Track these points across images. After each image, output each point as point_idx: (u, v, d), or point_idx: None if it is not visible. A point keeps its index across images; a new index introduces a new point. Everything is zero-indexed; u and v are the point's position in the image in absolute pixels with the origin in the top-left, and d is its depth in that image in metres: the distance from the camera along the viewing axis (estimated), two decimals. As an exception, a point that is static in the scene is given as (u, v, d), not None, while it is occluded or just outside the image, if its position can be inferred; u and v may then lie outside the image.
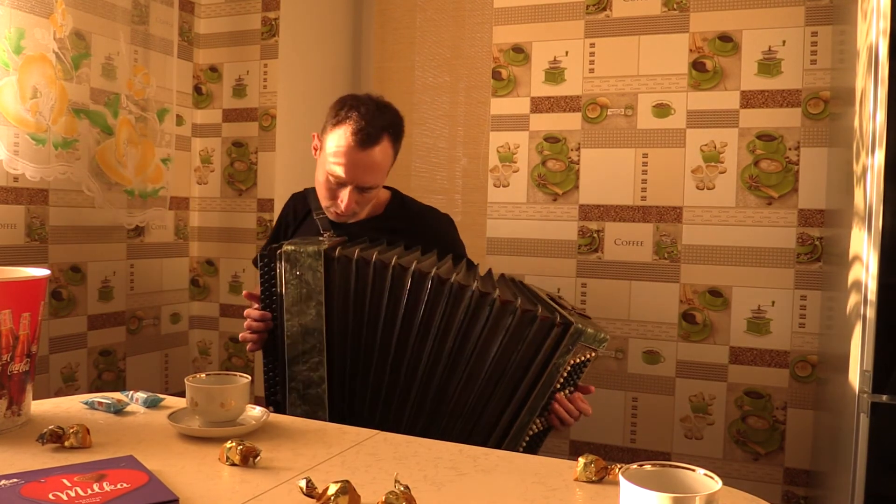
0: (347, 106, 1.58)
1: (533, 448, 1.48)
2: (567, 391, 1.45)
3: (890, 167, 1.39)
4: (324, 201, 1.62)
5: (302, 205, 1.78)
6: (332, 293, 1.46)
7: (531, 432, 1.46)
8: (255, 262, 1.55)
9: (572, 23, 2.25)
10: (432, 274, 1.42)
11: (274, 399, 1.54)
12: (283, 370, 1.48)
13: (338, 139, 1.55)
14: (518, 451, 1.43)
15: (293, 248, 1.45)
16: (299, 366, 1.48)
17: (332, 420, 1.45)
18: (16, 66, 1.91)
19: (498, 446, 1.41)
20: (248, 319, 1.54)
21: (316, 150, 1.65)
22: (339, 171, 1.54)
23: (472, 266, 1.64)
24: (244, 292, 1.61)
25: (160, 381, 2.63)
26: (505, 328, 1.42)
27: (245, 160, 2.68)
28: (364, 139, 1.53)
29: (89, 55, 2.18)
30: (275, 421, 1.26)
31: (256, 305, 1.56)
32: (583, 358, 1.43)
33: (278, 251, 1.46)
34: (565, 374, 1.42)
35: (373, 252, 1.47)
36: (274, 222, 1.95)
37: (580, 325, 1.41)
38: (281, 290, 1.47)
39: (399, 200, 1.74)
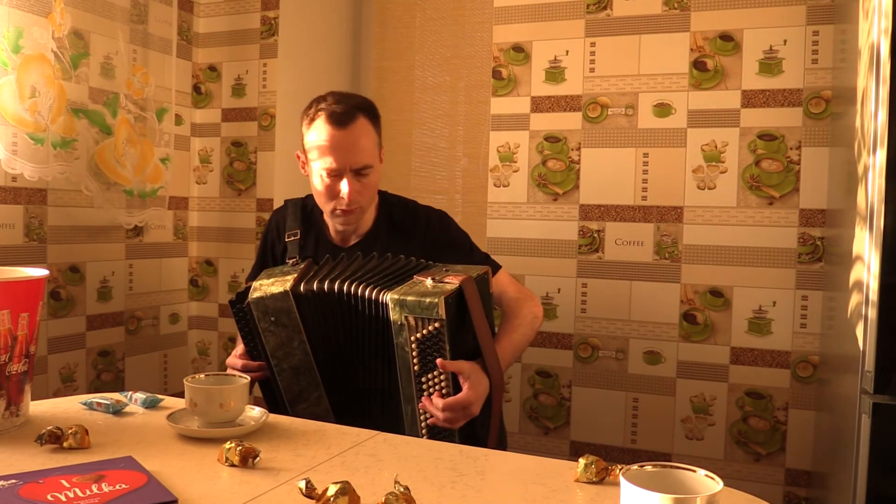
0: (314, 103, 1.56)
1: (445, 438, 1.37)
2: (435, 377, 1.34)
3: (892, 166, 1.38)
4: (327, 205, 1.57)
5: (284, 221, 1.71)
6: (311, 327, 1.42)
7: (426, 426, 1.37)
8: (230, 305, 1.51)
9: (573, 22, 2.24)
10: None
11: None
12: (286, 411, 1.46)
13: (317, 132, 1.52)
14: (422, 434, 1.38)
15: (259, 294, 1.41)
16: (301, 405, 1.47)
17: None
18: (14, 66, 1.90)
19: (364, 412, 1.40)
20: (234, 371, 1.51)
21: (303, 165, 1.61)
22: (329, 161, 1.50)
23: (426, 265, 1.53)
24: (227, 361, 1.55)
25: (159, 382, 2.63)
26: (366, 320, 1.38)
27: (244, 160, 2.67)
28: (340, 119, 1.50)
29: (88, 54, 2.17)
30: (274, 421, 1.25)
31: (239, 352, 1.53)
32: (424, 332, 1.31)
33: (246, 302, 1.43)
34: (416, 355, 1.33)
35: (328, 276, 1.43)
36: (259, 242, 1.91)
37: (396, 296, 1.31)
38: (262, 340, 1.44)
39: (386, 213, 1.67)
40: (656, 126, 2.17)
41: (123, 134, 2.27)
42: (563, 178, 2.27)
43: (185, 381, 1.19)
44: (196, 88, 2.72)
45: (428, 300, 1.29)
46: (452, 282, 1.34)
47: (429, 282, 1.35)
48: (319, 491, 0.86)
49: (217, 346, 2.73)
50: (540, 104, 2.29)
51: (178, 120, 2.63)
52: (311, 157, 1.55)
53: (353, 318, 1.41)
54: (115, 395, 1.35)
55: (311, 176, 1.57)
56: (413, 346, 1.33)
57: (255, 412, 1.25)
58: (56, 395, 2.18)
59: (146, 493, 0.90)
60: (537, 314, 1.64)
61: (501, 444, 1.53)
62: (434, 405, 1.33)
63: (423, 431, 1.37)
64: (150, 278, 2.56)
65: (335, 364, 1.44)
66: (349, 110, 1.52)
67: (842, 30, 1.89)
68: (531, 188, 2.30)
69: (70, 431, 1.08)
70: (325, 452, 1.10)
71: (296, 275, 1.45)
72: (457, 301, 1.33)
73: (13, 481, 0.91)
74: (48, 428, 1.08)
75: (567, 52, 2.25)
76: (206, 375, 1.24)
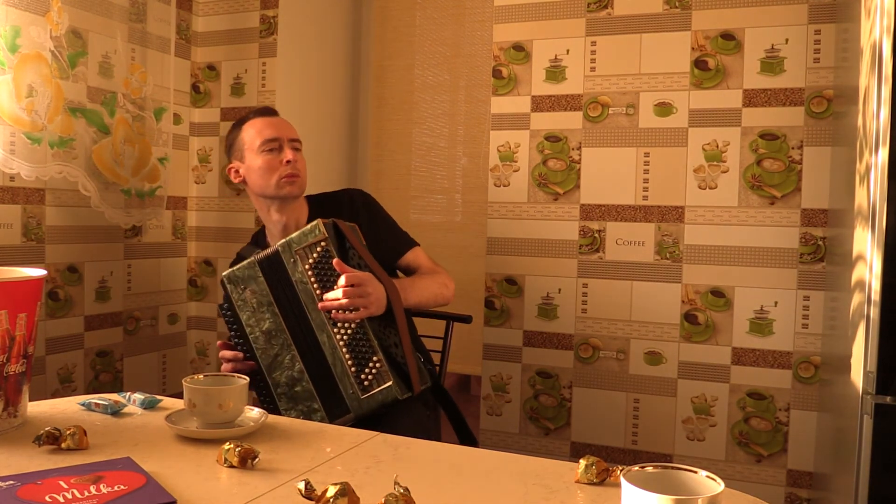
0: (236, 122, 1.82)
1: (365, 352, 1.49)
2: (331, 290, 1.50)
3: (894, 166, 1.38)
4: (271, 179, 1.72)
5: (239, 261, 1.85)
6: (278, 293, 1.55)
7: (343, 342, 1.49)
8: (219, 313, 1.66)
9: (573, 21, 2.24)
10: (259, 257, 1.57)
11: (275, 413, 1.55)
12: (266, 383, 1.55)
13: (252, 125, 1.76)
14: (348, 366, 1.48)
15: (230, 269, 1.60)
16: (278, 371, 1.56)
17: (325, 407, 1.52)
18: (11, 65, 1.90)
19: (343, 381, 1.49)
20: (223, 363, 1.62)
21: (238, 171, 1.78)
22: (269, 132, 1.73)
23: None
24: (218, 343, 1.67)
25: (158, 382, 2.62)
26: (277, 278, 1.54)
27: (243, 159, 2.66)
28: (265, 111, 1.80)
29: (86, 53, 2.17)
30: (273, 422, 1.25)
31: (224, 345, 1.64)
32: (314, 255, 1.50)
33: (221, 280, 1.61)
34: (314, 281, 1.51)
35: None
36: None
37: (283, 241, 1.52)
38: (238, 312, 1.57)
39: (315, 207, 1.84)
40: (657, 125, 2.16)
41: (121, 133, 2.26)
42: (563, 178, 2.26)
43: (183, 381, 1.19)
44: (195, 87, 2.71)
45: (309, 227, 1.51)
46: (328, 220, 1.56)
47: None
48: (319, 492, 0.85)
49: (216, 346, 2.72)
50: (540, 103, 2.28)
51: (177, 119, 2.62)
52: (247, 150, 1.75)
53: (283, 276, 1.56)
54: (114, 396, 1.35)
55: (251, 167, 1.75)
56: (310, 274, 1.51)
57: (253, 413, 1.24)
58: (54, 395, 2.17)
59: (145, 493, 0.89)
60: (446, 283, 1.77)
61: (424, 380, 1.60)
62: (334, 292, 1.48)
63: (342, 345, 1.49)
64: (148, 278, 2.56)
65: (301, 326, 1.55)
66: (270, 108, 1.84)
67: (843, 28, 1.89)
68: (531, 188, 2.29)
69: (68, 432, 1.07)
70: (325, 453, 1.09)
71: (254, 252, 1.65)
72: (334, 229, 1.54)
73: (11, 482, 0.91)
74: (46, 429, 1.08)
75: (568, 51, 2.25)
76: (204, 376, 1.24)
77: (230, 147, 1.81)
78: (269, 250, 1.56)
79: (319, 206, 1.83)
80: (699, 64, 2.12)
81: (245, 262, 1.58)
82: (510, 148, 2.32)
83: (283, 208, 1.76)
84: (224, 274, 1.59)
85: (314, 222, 1.51)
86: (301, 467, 1.03)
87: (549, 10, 2.26)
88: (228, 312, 1.59)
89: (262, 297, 1.55)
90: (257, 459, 1.01)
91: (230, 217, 2.69)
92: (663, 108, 2.16)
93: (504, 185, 2.33)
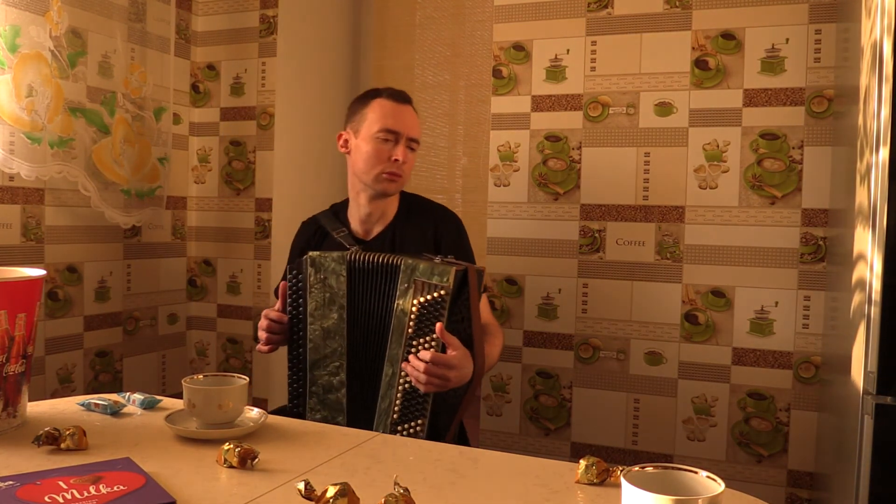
0: (369, 92, 1.75)
1: (416, 409, 1.44)
2: (425, 341, 1.42)
3: (894, 165, 1.38)
4: (375, 168, 1.68)
5: (314, 228, 1.82)
6: (354, 299, 1.51)
7: (402, 388, 1.44)
8: (289, 264, 1.64)
9: (573, 20, 2.23)
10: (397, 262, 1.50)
11: (296, 411, 1.54)
12: (304, 375, 1.52)
13: (379, 105, 1.70)
14: (393, 410, 1.44)
15: (318, 253, 1.54)
16: (320, 370, 1.52)
17: (350, 426, 1.46)
18: (11, 65, 1.89)
19: (374, 404, 1.46)
20: (265, 320, 1.57)
21: (347, 143, 1.75)
22: (391, 123, 1.68)
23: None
24: (280, 284, 1.62)
25: (157, 383, 2.62)
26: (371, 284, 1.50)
27: (243, 159, 2.66)
28: (401, 96, 1.72)
29: (85, 53, 2.16)
30: (273, 423, 1.25)
31: (279, 307, 1.59)
32: (429, 297, 1.41)
33: (304, 257, 1.54)
34: (413, 317, 1.43)
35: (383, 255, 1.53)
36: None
37: (411, 261, 1.44)
38: (306, 296, 1.53)
39: (405, 206, 1.80)
40: (658, 125, 2.16)
41: (121, 133, 2.26)
42: (563, 178, 2.26)
43: (183, 381, 1.19)
44: (194, 87, 2.71)
45: (441, 267, 1.42)
46: (460, 263, 1.46)
47: (437, 258, 1.49)
48: (319, 492, 0.85)
49: (216, 346, 2.72)
50: (540, 103, 2.28)
51: (177, 119, 2.62)
52: (364, 128, 1.70)
53: (379, 288, 1.51)
54: (113, 396, 1.35)
55: (360, 146, 1.70)
56: (414, 308, 1.43)
57: (253, 413, 1.24)
58: (54, 395, 2.16)
59: (144, 494, 0.89)
60: (500, 346, 1.73)
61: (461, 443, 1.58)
62: (420, 358, 1.39)
63: (399, 392, 1.44)
64: (148, 278, 2.55)
65: (369, 345, 1.51)
66: (406, 95, 1.75)
67: (844, 28, 1.89)
68: (532, 188, 2.29)
69: (68, 432, 1.07)
70: (325, 453, 1.09)
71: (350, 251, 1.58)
72: (462, 279, 1.43)
73: (10, 483, 0.90)
74: (46, 429, 1.08)
75: (568, 50, 2.24)
76: (204, 376, 1.24)
77: (351, 113, 1.76)
78: (376, 257, 1.50)
79: (409, 210, 1.79)
80: (699, 64, 2.12)
81: (336, 255, 1.53)
82: (510, 148, 2.31)
83: (372, 199, 1.73)
84: (311, 254, 1.54)
85: (448, 266, 1.41)
86: (301, 467, 1.02)
87: (549, 10, 2.26)
88: (298, 286, 1.54)
89: (338, 296, 1.51)
90: (257, 460, 1.01)
91: (230, 217, 2.69)
92: (663, 108, 2.15)
93: (504, 185, 2.33)
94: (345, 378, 1.50)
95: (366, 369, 1.51)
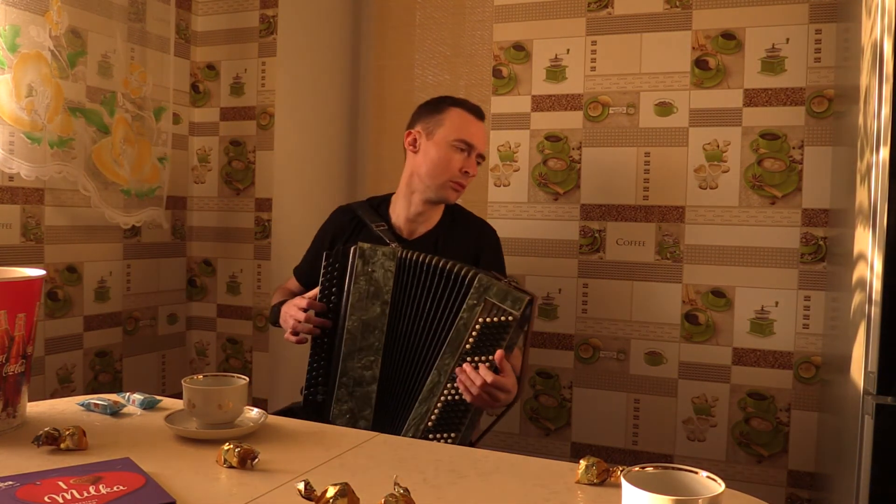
0: (443, 98, 1.77)
1: (453, 420, 1.45)
2: (479, 359, 1.43)
3: (895, 165, 1.37)
4: (442, 175, 1.69)
5: (350, 217, 1.82)
6: (401, 296, 1.50)
7: (445, 399, 1.44)
8: (328, 250, 1.62)
9: (573, 20, 2.23)
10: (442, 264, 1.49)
11: (313, 399, 1.53)
12: (336, 364, 1.50)
13: (459, 117, 1.71)
14: (429, 418, 1.44)
15: (369, 245, 1.52)
16: (353, 362, 1.50)
17: (376, 421, 1.49)
18: (11, 64, 1.89)
19: (404, 404, 1.46)
20: (305, 312, 1.55)
21: (416, 142, 1.75)
22: (469, 136, 1.70)
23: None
24: (294, 301, 1.60)
25: (157, 383, 2.62)
26: (447, 298, 1.47)
27: (243, 159, 2.66)
28: (478, 112, 1.75)
29: (85, 53, 2.16)
30: (273, 423, 1.24)
31: (313, 295, 1.57)
32: (495, 319, 1.41)
33: (354, 247, 1.52)
34: (475, 334, 1.41)
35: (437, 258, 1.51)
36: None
37: (485, 279, 1.40)
38: (349, 286, 1.50)
39: (449, 214, 1.81)
40: (658, 125, 2.16)
41: (121, 133, 2.26)
42: (563, 178, 2.26)
43: (183, 381, 1.18)
44: (194, 87, 2.71)
45: (516, 294, 1.41)
46: (528, 292, 1.44)
47: (504, 280, 1.47)
48: (318, 492, 0.85)
49: (215, 346, 2.72)
50: (540, 103, 2.28)
51: (177, 119, 2.62)
52: (440, 133, 1.71)
53: (436, 293, 1.49)
54: (113, 396, 1.34)
55: (431, 150, 1.71)
56: (478, 325, 1.42)
57: (253, 413, 1.24)
58: (53, 396, 2.16)
59: (144, 494, 0.89)
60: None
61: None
62: (479, 372, 1.39)
63: (440, 402, 1.44)
64: (147, 278, 2.55)
65: (418, 347, 1.50)
66: (482, 111, 1.77)
67: (844, 28, 1.88)
68: (532, 188, 2.29)
69: (67, 433, 1.07)
70: (325, 454, 1.09)
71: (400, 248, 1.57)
72: (529, 310, 1.43)
73: (10, 483, 0.90)
74: (45, 429, 1.07)
75: (568, 50, 2.24)
76: (204, 376, 1.23)
77: (425, 114, 1.76)
78: (438, 261, 1.48)
79: (453, 218, 1.81)
80: (700, 63, 2.12)
81: (388, 249, 1.52)
82: (510, 148, 2.31)
83: (424, 203, 1.74)
84: (361, 244, 1.52)
85: (521, 295, 1.41)
86: (301, 467, 1.02)
87: (550, 10, 2.26)
88: (335, 275, 1.52)
89: (382, 291, 1.50)
90: (257, 460, 1.01)
91: (230, 217, 2.69)
92: (664, 108, 2.15)
93: (504, 185, 2.32)
94: (377, 375, 1.49)
95: (402, 368, 1.50)
